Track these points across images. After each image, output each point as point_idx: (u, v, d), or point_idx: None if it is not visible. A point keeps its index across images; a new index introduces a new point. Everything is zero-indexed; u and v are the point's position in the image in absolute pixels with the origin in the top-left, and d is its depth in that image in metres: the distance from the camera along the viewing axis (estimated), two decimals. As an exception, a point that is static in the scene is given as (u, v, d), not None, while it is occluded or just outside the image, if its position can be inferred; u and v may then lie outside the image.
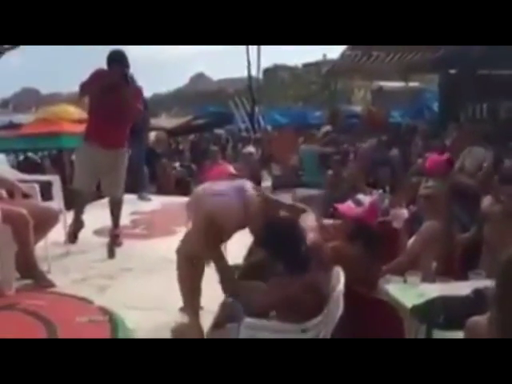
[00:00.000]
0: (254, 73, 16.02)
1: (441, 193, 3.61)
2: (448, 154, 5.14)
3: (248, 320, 2.55)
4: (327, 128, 7.70)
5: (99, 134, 4.36)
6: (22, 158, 11.17)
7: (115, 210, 4.62)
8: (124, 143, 4.57)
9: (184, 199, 7.63)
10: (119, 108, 4.28)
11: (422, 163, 5.21)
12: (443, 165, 4.70)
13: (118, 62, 4.32)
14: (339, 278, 2.61)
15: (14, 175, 4.44)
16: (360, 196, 3.46)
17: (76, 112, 10.78)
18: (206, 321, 3.02)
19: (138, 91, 4.67)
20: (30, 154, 11.21)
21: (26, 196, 3.98)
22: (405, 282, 2.91)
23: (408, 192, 4.74)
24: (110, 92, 4.25)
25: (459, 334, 2.27)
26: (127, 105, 4.36)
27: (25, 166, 8.81)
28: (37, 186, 4.19)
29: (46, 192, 4.45)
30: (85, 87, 4.44)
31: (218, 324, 2.93)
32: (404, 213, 4.25)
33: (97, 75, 4.36)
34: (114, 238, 4.56)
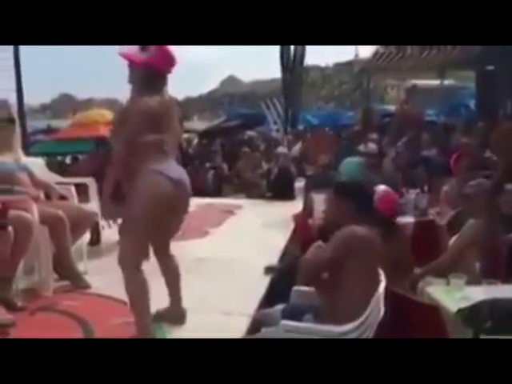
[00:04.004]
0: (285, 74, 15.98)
1: (483, 191, 3.47)
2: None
3: (285, 322, 2.48)
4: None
5: None
6: (69, 160, 11.28)
7: None
8: None
9: (216, 201, 7.63)
10: None
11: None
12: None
13: None
14: (380, 279, 2.53)
15: (50, 177, 4.50)
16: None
17: (110, 115, 10.92)
18: (235, 323, 3.00)
19: None
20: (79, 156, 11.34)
21: (62, 198, 4.03)
22: (448, 284, 2.79)
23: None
24: None
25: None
26: None
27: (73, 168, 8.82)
28: (73, 188, 4.25)
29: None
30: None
31: (253, 329, 2.88)
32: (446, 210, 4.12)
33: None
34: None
